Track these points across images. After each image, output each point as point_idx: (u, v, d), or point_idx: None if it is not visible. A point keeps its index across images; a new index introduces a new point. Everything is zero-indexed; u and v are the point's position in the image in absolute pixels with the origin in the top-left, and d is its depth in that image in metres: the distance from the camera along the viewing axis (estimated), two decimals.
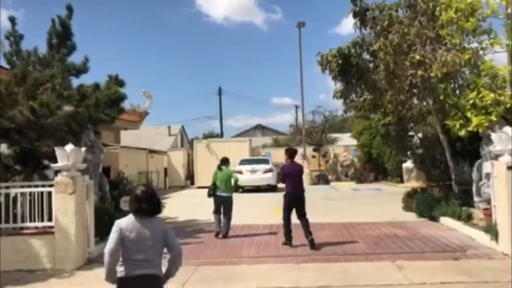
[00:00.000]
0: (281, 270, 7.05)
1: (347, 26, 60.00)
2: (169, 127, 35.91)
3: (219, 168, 10.67)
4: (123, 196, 10.65)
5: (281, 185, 10.97)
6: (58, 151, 7.71)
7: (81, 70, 10.41)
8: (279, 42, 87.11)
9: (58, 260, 7.46)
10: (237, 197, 17.83)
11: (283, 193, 9.06)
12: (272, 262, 7.52)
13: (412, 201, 12.73)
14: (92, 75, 11.13)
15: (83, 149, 8.01)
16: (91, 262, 7.86)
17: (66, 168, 7.69)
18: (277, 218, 11.43)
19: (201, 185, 25.44)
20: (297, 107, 45.63)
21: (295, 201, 8.84)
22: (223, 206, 10.24)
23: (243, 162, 21.96)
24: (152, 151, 24.82)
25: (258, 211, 14.01)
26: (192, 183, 26.84)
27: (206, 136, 42.02)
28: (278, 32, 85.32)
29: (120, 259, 3.63)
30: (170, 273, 3.81)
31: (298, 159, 27.89)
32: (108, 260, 3.59)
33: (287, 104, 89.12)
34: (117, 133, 26.65)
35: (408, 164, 22.27)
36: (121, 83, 11.22)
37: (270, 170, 21.19)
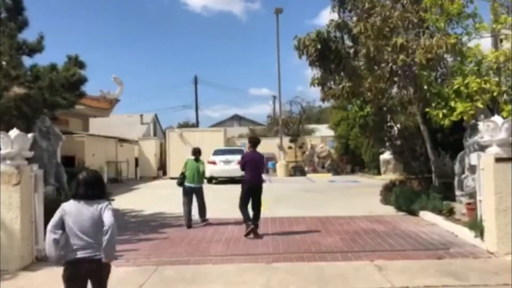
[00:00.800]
0: (250, 271, 6.37)
1: (327, 17, 59.51)
2: (141, 116, 34.72)
3: (195, 159, 10.39)
4: None
5: None
6: (0, 137, 6.83)
7: (35, 48, 9.48)
8: (258, 32, 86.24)
9: (1, 260, 6.60)
10: (209, 189, 17.09)
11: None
12: (241, 262, 6.83)
13: (390, 194, 12.24)
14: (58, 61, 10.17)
15: (30, 135, 7.10)
16: (40, 261, 7.03)
17: (9, 156, 6.81)
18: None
19: (174, 175, 24.47)
20: (274, 97, 45.07)
21: (252, 190, 8.81)
22: (195, 196, 10.16)
23: (217, 152, 21.21)
24: (122, 140, 23.81)
25: (231, 203, 13.27)
26: (165, 173, 25.96)
27: (181, 126, 40.98)
28: (256, 22, 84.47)
29: (64, 242, 3.69)
30: (104, 251, 3.66)
31: (274, 149, 27.45)
32: (46, 239, 3.71)
33: (265, 95, 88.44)
34: (86, 120, 25.51)
35: (386, 156, 21.91)
36: (81, 65, 10.39)
37: None
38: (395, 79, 11.84)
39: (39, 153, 9.21)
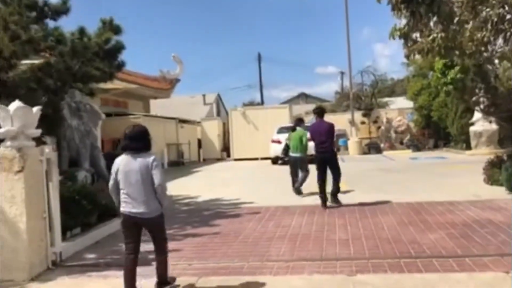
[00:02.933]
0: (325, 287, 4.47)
1: None
2: (204, 96, 33.48)
3: (293, 129, 10.70)
4: None
5: None
6: None
7: (59, 10, 7.99)
8: (323, 7, 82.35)
9: (2, 267, 5.20)
10: (275, 171, 15.32)
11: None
12: (312, 271, 4.92)
13: (498, 171, 9.75)
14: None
15: (36, 108, 5.58)
16: (57, 266, 5.59)
17: (10, 135, 5.34)
18: (314, 197, 8.87)
19: (238, 157, 23.17)
20: (342, 73, 42.26)
21: (324, 161, 8.50)
22: (299, 165, 10.20)
23: (282, 130, 19.23)
24: (182, 121, 22.57)
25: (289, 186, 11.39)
26: (229, 155, 24.55)
27: (245, 106, 39.51)
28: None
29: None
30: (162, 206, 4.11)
31: (345, 125, 25.03)
32: (112, 197, 4.30)
33: (331, 73, 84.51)
34: (146, 102, 24.67)
35: (477, 128, 18.90)
36: (117, 29, 8.80)
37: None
38: (502, 26, 9.22)
39: (68, 133, 7.86)
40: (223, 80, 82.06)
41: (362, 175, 13.41)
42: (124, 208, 4.03)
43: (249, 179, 14.07)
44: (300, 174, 10.09)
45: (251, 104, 45.92)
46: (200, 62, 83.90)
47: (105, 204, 7.42)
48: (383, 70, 68.00)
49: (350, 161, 19.06)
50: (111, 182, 4.11)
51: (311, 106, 41.03)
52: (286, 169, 17.02)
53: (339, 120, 25.68)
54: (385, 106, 30.42)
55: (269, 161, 19.25)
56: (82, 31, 8.09)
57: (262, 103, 43.17)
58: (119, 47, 9.00)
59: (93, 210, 6.71)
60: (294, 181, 10.26)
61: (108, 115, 17.99)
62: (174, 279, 4.50)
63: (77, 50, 7.15)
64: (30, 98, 6.90)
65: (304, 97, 55.88)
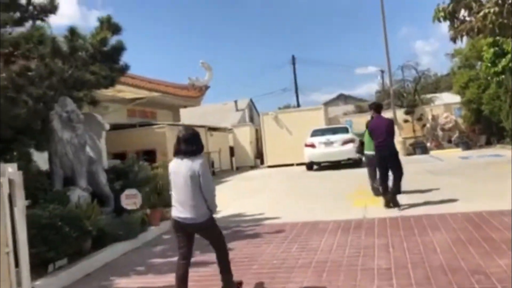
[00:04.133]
0: None
1: None
2: (235, 102, 32.48)
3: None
4: (127, 188, 7.34)
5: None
6: None
7: (45, 9, 7.06)
8: (358, 7, 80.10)
9: None
10: (309, 178, 13.98)
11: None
12: None
13: None
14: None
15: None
16: None
17: None
18: (356, 211, 7.53)
19: (272, 163, 21.94)
20: (382, 71, 40.27)
21: (384, 159, 7.95)
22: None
23: (316, 132, 17.89)
24: (212, 129, 21.57)
25: (329, 198, 10.03)
26: (263, 162, 23.33)
27: (280, 110, 38.25)
28: None
29: None
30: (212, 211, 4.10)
31: None
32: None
33: (371, 73, 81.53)
34: (176, 111, 23.91)
35: None
36: (115, 28, 7.84)
37: (350, 141, 16.84)
38: None
39: (60, 147, 6.88)
40: (257, 85, 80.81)
41: (408, 179, 11.79)
42: (173, 212, 4.04)
43: (279, 188, 12.80)
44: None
45: (286, 108, 44.65)
46: (231, 68, 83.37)
47: (101, 228, 6.42)
48: (425, 66, 65.06)
49: None
50: (171, 185, 4.09)
51: (350, 108, 39.40)
52: (321, 175, 15.82)
53: None
54: (430, 102, 28.33)
55: (304, 167, 17.88)
56: (72, 32, 7.13)
57: (298, 106, 41.76)
58: (119, 48, 8.03)
59: (82, 236, 5.67)
60: (374, 183, 9.09)
61: (131, 126, 17.28)
62: (241, 283, 4.50)
63: (60, 52, 6.15)
64: (8, 109, 6.00)
65: (343, 98, 54.20)
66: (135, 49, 78.25)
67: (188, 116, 26.12)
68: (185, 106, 24.29)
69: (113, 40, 7.89)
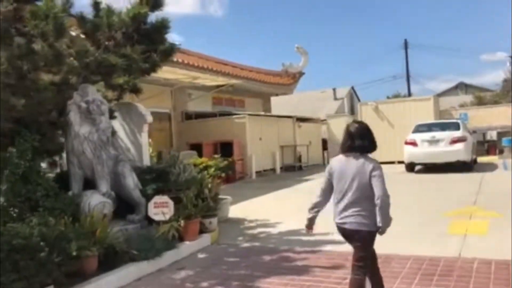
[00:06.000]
0: None
1: None
2: (334, 90, 30.14)
3: None
4: (157, 195, 6.13)
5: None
6: None
7: None
8: None
9: None
10: (407, 182, 11.96)
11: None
12: None
13: None
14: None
15: None
16: None
17: None
18: (451, 242, 5.54)
19: None
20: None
21: None
22: None
23: (420, 128, 15.29)
24: (301, 119, 19.89)
25: (419, 215, 7.88)
26: None
27: (389, 99, 35.14)
28: None
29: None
30: (381, 227, 3.40)
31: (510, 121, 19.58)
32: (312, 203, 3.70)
33: (500, 60, 72.06)
34: (267, 99, 22.69)
35: None
36: (156, 3, 6.61)
37: (461, 139, 14.04)
38: None
39: (76, 144, 5.83)
40: (362, 72, 76.15)
41: None
42: (335, 218, 3.60)
43: None
44: None
45: (396, 97, 41.18)
46: (333, 54, 79.58)
47: (110, 243, 5.24)
48: None
49: None
50: (322, 186, 3.66)
51: (469, 98, 34.85)
52: (422, 179, 13.27)
53: (502, 114, 20.44)
54: None
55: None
56: (96, 5, 6.01)
57: (409, 95, 38.17)
58: (162, 26, 6.79)
59: (68, 261, 4.51)
60: None
61: (212, 115, 16.33)
62: None
63: (65, 30, 4.99)
64: (6, 98, 5.03)
65: (463, 87, 48.96)
66: (229, 35, 78.81)
67: (281, 104, 24.75)
68: (276, 94, 22.96)
69: (153, 16, 6.72)
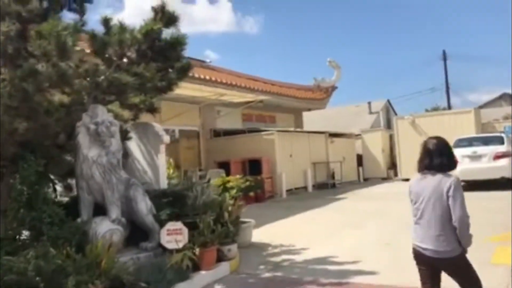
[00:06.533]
0: None
1: None
2: (369, 104, 29.26)
3: None
4: (172, 220, 5.76)
5: None
6: None
7: None
8: None
9: None
10: None
11: None
12: None
13: None
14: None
15: None
16: None
17: None
18: (495, 272, 4.91)
19: (407, 176, 18.73)
20: None
21: None
22: None
23: (460, 143, 14.40)
24: (333, 135, 19.25)
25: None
26: (397, 173, 20.25)
27: (428, 112, 33.93)
28: None
29: None
30: (463, 248, 3.26)
31: None
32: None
33: None
34: (298, 115, 22.23)
35: None
36: (169, 18, 6.36)
37: (505, 155, 13.08)
38: None
39: (85, 168, 5.54)
40: (398, 85, 74.09)
41: None
42: (414, 240, 3.35)
43: (398, 216, 10.08)
44: None
45: (435, 110, 39.77)
46: (367, 67, 78.04)
47: (116, 275, 4.87)
48: None
49: None
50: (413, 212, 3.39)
51: None
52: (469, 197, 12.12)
53: None
54: None
55: None
56: (106, 21, 5.77)
57: (449, 108, 36.76)
58: (176, 43, 6.49)
59: None
60: None
61: (241, 132, 15.97)
62: None
63: (67, 48, 4.72)
64: (8, 121, 4.80)
65: (507, 98, 46.81)
66: (264, 52, 79.04)
67: (314, 119, 24.18)
68: (309, 109, 22.46)
69: (168, 33, 6.44)
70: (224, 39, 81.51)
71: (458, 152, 13.60)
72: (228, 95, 14.13)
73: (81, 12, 5.97)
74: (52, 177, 6.18)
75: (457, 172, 11.16)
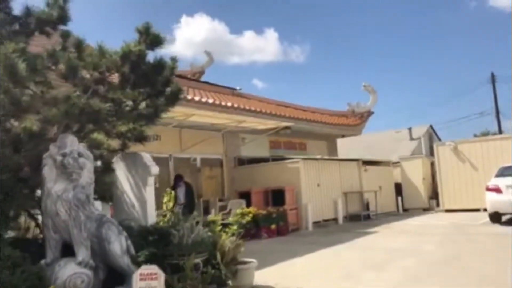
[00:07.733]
0: None
1: None
2: (410, 129, 27.73)
3: None
4: (144, 264, 5.11)
5: None
6: None
7: (49, 19, 5.39)
8: None
9: None
10: (481, 236, 9.98)
11: None
12: None
13: None
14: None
15: None
16: None
17: None
18: None
19: (450, 207, 17.40)
20: None
21: None
22: None
23: (505, 171, 13.01)
24: (367, 162, 18.10)
25: None
26: (439, 204, 18.76)
27: (476, 137, 31.91)
28: None
29: None
30: None
31: None
32: None
33: None
34: (332, 141, 21.30)
35: None
36: (156, 40, 5.88)
37: None
38: None
39: (49, 203, 5.00)
40: (444, 109, 70.78)
41: None
42: None
43: (429, 255, 8.91)
44: None
45: (485, 135, 37.48)
46: (408, 91, 75.49)
47: None
48: None
49: None
50: None
51: None
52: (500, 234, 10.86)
53: None
54: None
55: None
56: (79, 46, 5.32)
57: (499, 133, 34.51)
58: (161, 66, 5.96)
59: None
60: None
61: (265, 160, 15.24)
62: None
63: (16, 72, 4.24)
64: None
65: None
66: (310, 80, 78.57)
67: (350, 146, 23.10)
68: (342, 136, 21.48)
69: (151, 56, 5.93)
70: (271, 68, 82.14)
71: (502, 182, 12.30)
72: (247, 122, 13.51)
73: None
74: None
75: (499, 202, 9.87)
